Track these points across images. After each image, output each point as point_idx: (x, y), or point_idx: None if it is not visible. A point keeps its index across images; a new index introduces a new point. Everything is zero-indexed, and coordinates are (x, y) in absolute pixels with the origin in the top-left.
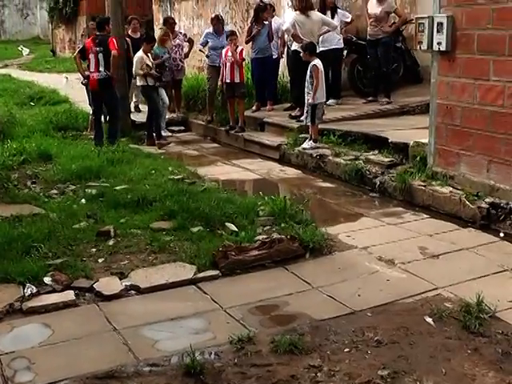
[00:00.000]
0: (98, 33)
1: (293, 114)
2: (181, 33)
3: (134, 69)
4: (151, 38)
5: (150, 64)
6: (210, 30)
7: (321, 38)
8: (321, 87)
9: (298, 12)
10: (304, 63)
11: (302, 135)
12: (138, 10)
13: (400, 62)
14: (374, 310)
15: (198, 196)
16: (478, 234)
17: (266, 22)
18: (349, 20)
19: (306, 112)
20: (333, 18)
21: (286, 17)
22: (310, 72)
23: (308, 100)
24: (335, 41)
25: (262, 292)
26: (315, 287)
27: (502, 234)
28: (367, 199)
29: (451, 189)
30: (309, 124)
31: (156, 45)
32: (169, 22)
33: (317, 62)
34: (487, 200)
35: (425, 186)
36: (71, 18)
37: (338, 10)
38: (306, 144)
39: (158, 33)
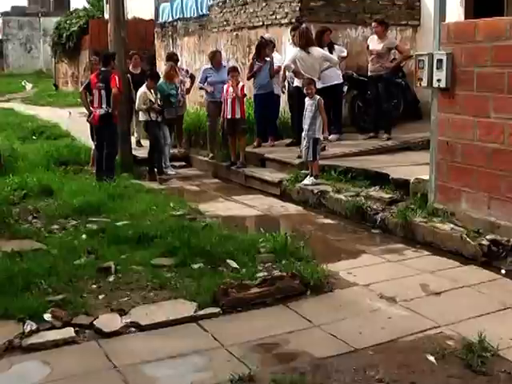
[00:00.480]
0: (102, 68)
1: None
2: (183, 69)
3: (136, 104)
4: (155, 75)
5: (153, 99)
6: (208, 65)
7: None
8: (320, 121)
9: (298, 48)
10: (302, 97)
11: (303, 171)
12: (141, 45)
13: (400, 98)
14: (376, 348)
15: (199, 232)
16: (479, 271)
17: (268, 59)
18: (345, 55)
19: (307, 148)
20: (330, 53)
21: (287, 53)
22: (312, 107)
23: (309, 134)
24: (335, 76)
25: (263, 330)
26: (316, 325)
27: (503, 272)
28: (368, 236)
29: (452, 226)
30: (310, 160)
31: (162, 80)
32: (173, 58)
33: (319, 97)
34: (488, 237)
35: (426, 222)
36: (74, 53)
37: (335, 46)
38: (307, 180)
39: (164, 68)
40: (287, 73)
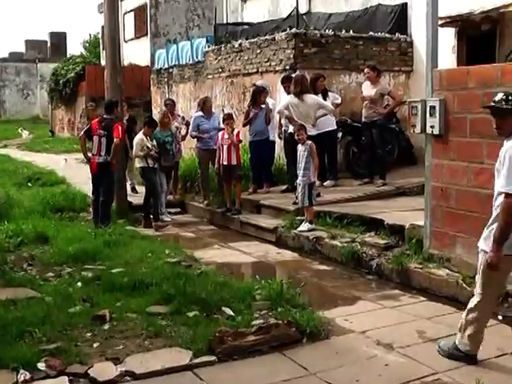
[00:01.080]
0: (105, 115)
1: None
2: (179, 115)
3: (133, 151)
4: (153, 122)
5: (150, 146)
6: (200, 113)
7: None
8: (313, 166)
9: (292, 96)
10: (296, 144)
11: (298, 218)
12: (137, 91)
13: (395, 143)
14: None
15: (195, 280)
16: None
17: (264, 106)
18: (339, 102)
19: (302, 194)
20: (324, 100)
21: (281, 99)
22: (305, 152)
23: (304, 180)
24: (329, 123)
25: (259, 378)
26: (313, 373)
27: (500, 317)
28: (364, 282)
29: (448, 271)
30: (306, 205)
31: (158, 129)
32: (169, 104)
33: (311, 142)
34: None
35: (421, 268)
36: (70, 99)
37: (329, 93)
38: (303, 226)
39: (159, 115)
40: (282, 120)
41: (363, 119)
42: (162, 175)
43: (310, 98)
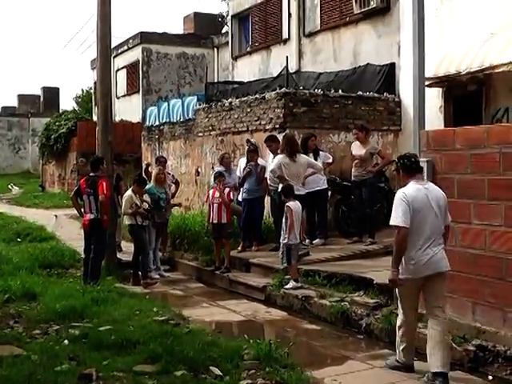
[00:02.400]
0: (91, 173)
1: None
2: (169, 173)
3: (122, 208)
4: (143, 181)
5: (139, 203)
6: (221, 168)
7: (306, 180)
8: (295, 228)
9: (284, 155)
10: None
11: (287, 276)
12: (128, 148)
13: (384, 202)
14: None
15: (183, 338)
16: (466, 376)
17: (260, 163)
18: (330, 161)
19: (282, 253)
20: (315, 159)
21: (269, 159)
22: (285, 213)
23: (283, 241)
24: (320, 182)
25: None
26: None
27: (490, 378)
28: (353, 341)
29: None
30: (285, 265)
31: (152, 184)
32: (160, 161)
33: (291, 203)
34: (474, 342)
35: None
36: (61, 154)
37: (320, 152)
38: (289, 284)
39: (153, 172)
40: (268, 180)
41: (353, 178)
42: (152, 232)
43: (301, 157)
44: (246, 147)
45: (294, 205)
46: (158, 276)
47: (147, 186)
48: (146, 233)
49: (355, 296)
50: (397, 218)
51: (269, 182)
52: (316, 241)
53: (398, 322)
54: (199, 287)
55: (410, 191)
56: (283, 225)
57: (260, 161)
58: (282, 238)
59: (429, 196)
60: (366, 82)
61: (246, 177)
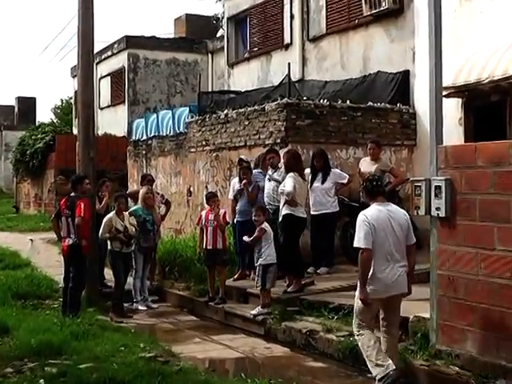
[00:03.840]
0: (71, 194)
1: (288, 290)
2: (158, 193)
3: (100, 231)
4: (122, 199)
5: (121, 227)
6: (258, 170)
7: (313, 201)
8: (270, 248)
9: (296, 174)
10: (297, 227)
11: (291, 308)
12: (112, 165)
13: None
14: None
15: (173, 378)
16: None
17: (255, 182)
18: (345, 181)
19: (257, 275)
20: (325, 179)
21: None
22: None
23: (260, 261)
24: (329, 204)
25: None
26: None
27: None
28: (364, 381)
29: (457, 369)
30: (259, 288)
31: (139, 205)
32: (147, 180)
33: (264, 224)
34: (498, 383)
35: (428, 366)
36: (38, 172)
37: (333, 171)
38: (255, 310)
39: (141, 191)
40: (266, 198)
41: (362, 198)
42: (139, 258)
43: (307, 176)
44: (239, 166)
45: (267, 226)
46: (145, 308)
47: (133, 208)
48: (129, 260)
49: None
50: (359, 240)
51: (266, 200)
52: (321, 269)
53: (358, 342)
54: (191, 320)
55: (372, 213)
56: (259, 245)
57: (253, 178)
58: (257, 258)
59: (390, 217)
60: (377, 91)
61: (237, 197)
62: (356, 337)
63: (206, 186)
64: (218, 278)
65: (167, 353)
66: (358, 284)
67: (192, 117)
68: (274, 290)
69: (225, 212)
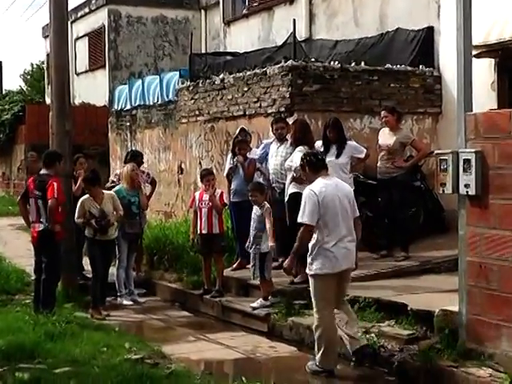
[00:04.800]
0: (42, 171)
1: (295, 280)
2: (143, 171)
3: (75, 215)
4: (95, 179)
5: (95, 211)
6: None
7: None
8: (267, 233)
9: (306, 147)
10: (297, 208)
11: (298, 301)
12: (91, 139)
13: (420, 205)
14: None
15: (163, 382)
16: None
17: (250, 156)
18: (362, 156)
19: (253, 265)
20: (340, 153)
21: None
22: (260, 216)
23: (256, 248)
24: (347, 181)
25: None
26: None
27: None
28: None
29: (491, 371)
30: (257, 278)
31: (122, 185)
32: (137, 159)
33: (268, 205)
34: None
35: (456, 367)
36: (6, 148)
37: (349, 143)
38: (256, 303)
39: (124, 170)
40: (272, 176)
41: (379, 175)
42: (123, 245)
43: (318, 149)
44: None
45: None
46: (130, 302)
47: (116, 188)
48: (109, 248)
49: (384, 326)
50: (304, 215)
51: (273, 177)
52: None
53: (316, 323)
54: (184, 316)
55: (319, 188)
56: (254, 230)
57: (253, 151)
58: (251, 245)
59: (337, 190)
60: (396, 51)
61: (230, 174)
62: (316, 314)
63: (200, 163)
64: (214, 268)
65: (156, 354)
66: (291, 253)
67: (183, 82)
68: (279, 281)
69: (222, 192)
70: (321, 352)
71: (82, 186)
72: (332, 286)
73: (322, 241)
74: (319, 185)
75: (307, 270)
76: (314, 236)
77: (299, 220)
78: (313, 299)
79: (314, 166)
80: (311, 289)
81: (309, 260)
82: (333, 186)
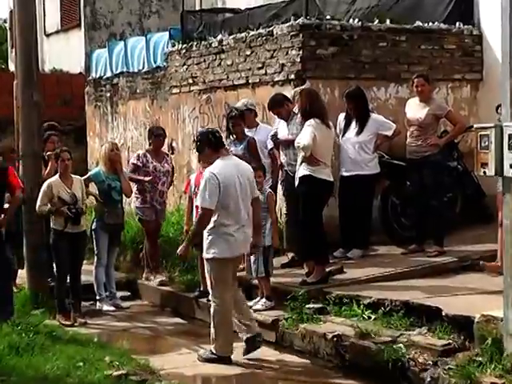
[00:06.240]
0: None
1: (308, 280)
2: (167, 154)
3: (37, 202)
4: (56, 157)
5: (66, 197)
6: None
7: (343, 158)
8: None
9: (318, 121)
10: (318, 193)
11: (311, 305)
12: (65, 113)
13: (457, 190)
14: None
15: None
16: None
17: (249, 134)
18: (390, 133)
19: (255, 260)
20: (361, 129)
21: (280, 126)
22: (261, 202)
23: (259, 243)
24: (365, 163)
25: None
26: None
27: None
28: None
29: None
30: (262, 275)
31: (100, 167)
32: (156, 136)
33: (270, 190)
34: None
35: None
36: None
37: (373, 117)
38: (259, 304)
39: (102, 149)
40: (283, 157)
41: (408, 155)
42: (102, 239)
43: (331, 125)
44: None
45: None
46: (112, 307)
47: (92, 171)
48: (80, 243)
49: (414, 335)
50: (204, 199)
51: (284, 159)
52: (352, 252)
53: (214, 308)
54: (175, 323)
55: (219, 169)
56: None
57: (260, 127)
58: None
59: (238, 171)
60: (427, 6)
61: None
62: (215, 300)
63: (194, 140)
64: None
65: (143, 369)
66: (186, 239)
67: (173, 45)
68: (289, 282)
69: None
70: (219, 338)
71: (56, 167)
72: (230, 271)
73: (223, 225)
74: (219, 166)
75: (204, 254)
76: (213, 219)
77: (199, 204)
78: (211, 284)
79: (214, 146)
80: (209, 273)
81: (206, 244)
82: (233, 167)
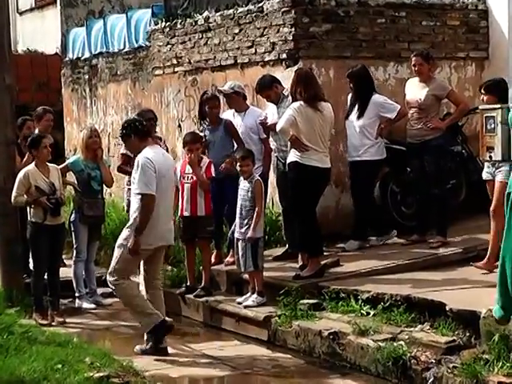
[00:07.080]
0: None
1: (302, 274)
2: (160, 138)
3: (13, 193)
4: (36, 142)
5: (44, 186)
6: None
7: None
8: (263, 214)
9: (302, 103)
10: (308, 181)
11: (306, 300)
12: (40, 97)
13: (461, 177)
14: None
15: None
16: None
17: (225, 118)
18: (393, 115)
19: (244, 253)
20: (363, 112)
21: (269, 110)
22: (248, 193)
23: (246, 233)
24: (365, 148)
25: None
26: None
27: None
28: None
29: None
30: (250, 270)
31: (78, 155)
32: (147, 120)
33: (258, 178)
34: None
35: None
36: None
37: (373, 99)
38: (250, 300)
39: (80, 136)
40: (273, 143)
41: (408, 139)
42: (81, 232)
43: (328, 107)
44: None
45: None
46: (92, 305)
47: (70, 159)
48: (59, 236)
49: (416, 331)
50: (144, 185)
51: (274, 145)
52: (349, 243)
53: (131, 288)
54: None
55: (153, 156)
56: (243, 210)
57: (251, 110)
58: (239, 229)
59: (165, 161)
60: None
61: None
62: (114, 286)
63: (180, 125)
64: (200, 259)
65: (126, 370)
66: (135, 231)
67: (156, 23)
68: (282, 276)
69: (210, 162)
70: (143, 314)
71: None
72: (141, 259)
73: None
74: (151, 153)
75: (121, 241)
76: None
77: (139, 191)
78: (114, 265)
79: (141, 134)
80: (117, 257)
81: (126, 232)
82: (161, 157)
